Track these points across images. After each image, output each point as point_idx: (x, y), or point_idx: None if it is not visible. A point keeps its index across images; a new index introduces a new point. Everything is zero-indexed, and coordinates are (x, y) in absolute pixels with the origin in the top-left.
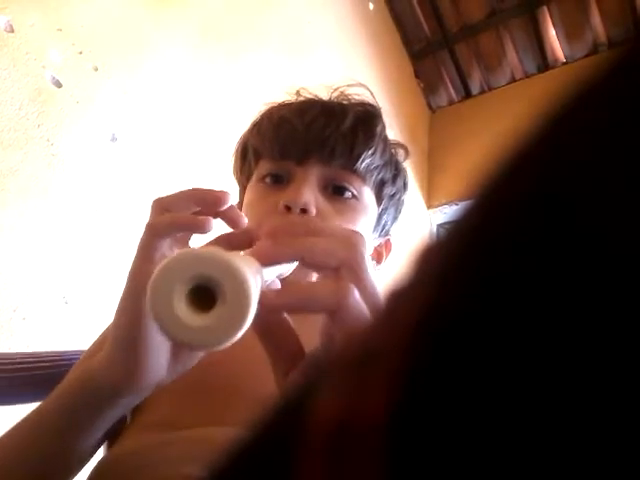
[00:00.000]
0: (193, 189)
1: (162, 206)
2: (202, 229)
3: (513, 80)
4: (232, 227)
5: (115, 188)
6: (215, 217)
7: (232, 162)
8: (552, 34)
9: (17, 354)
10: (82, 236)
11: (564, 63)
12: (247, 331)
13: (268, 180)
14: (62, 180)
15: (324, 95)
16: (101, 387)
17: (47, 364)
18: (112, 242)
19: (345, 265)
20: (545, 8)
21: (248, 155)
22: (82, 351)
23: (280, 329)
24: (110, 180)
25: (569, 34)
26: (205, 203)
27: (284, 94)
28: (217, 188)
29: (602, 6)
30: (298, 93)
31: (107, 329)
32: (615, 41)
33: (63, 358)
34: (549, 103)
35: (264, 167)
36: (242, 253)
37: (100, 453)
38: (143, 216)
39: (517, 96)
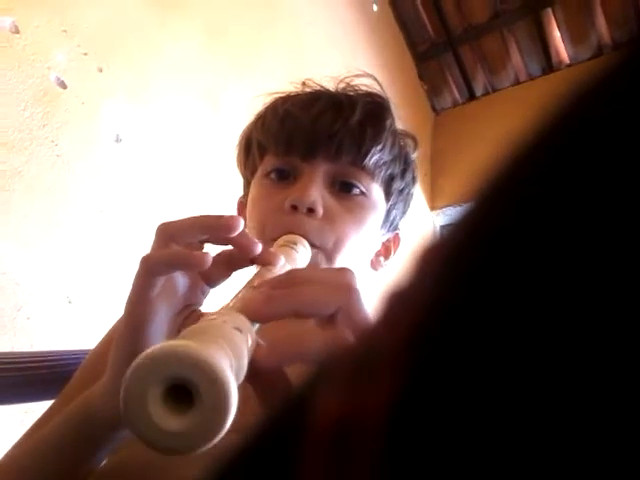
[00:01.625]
0: (202, 216)
1: (167, 234)
2: (199, 267)
3: (517, 82)
4: (244, 255)
5: (119, 189)
6: (225, 244)
7: (235, 155)
8: (556, 36)
9: (20, 353)
10: (86, 236)
11: (568, 65)
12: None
13: (273, 176)
14: (67, 181)
15: (331, 86)
16: (101, 422)
17: (50, 364)
18: (116, 242)
19: (342, 309)
20: (549, 10)
21: (252, 149)
22: (85, 351)
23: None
24: (114, 181)
25: (573, 36)
26: (215, 231)
27: (290, 85)
28: (227, 213)
29: (606, 8)
30: (304, 84)
31: (111, 329)
32: (620, 43)
33: (61, 358)
34: (553, 105)
35: (269, 162)
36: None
37: None
38: (146, 216)
39: (521, 98)
